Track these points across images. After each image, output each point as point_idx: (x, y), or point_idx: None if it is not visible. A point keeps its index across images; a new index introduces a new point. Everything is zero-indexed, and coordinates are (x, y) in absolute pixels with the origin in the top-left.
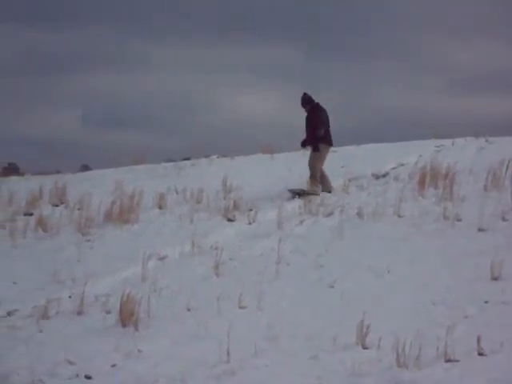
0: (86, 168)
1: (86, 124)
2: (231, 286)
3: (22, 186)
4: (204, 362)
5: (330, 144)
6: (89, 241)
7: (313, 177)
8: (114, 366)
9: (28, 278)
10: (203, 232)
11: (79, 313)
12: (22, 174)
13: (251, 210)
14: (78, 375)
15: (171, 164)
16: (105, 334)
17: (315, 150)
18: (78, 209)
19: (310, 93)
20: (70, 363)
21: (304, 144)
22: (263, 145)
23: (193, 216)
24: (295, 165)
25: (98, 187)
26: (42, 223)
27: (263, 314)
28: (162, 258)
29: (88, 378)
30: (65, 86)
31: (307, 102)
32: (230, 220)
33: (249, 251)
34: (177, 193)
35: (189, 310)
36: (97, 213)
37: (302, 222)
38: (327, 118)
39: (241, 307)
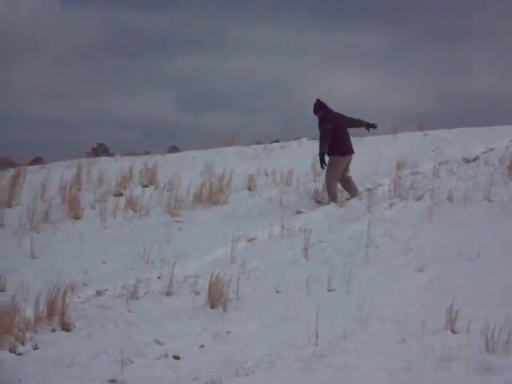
0: (175, 149)
1: (177, 106)
2: (320, 269)
3: (111, 167)
4: (292, 343)
5: (346, 153)
6: (178, 222)
7: (330, 195)
8: (202, 346)
9: (117, 258)
10: (292, 214)
11: (168, 293)
12: (112, 155)
13: (341, 192)
14: (166, 355)
15: (261, 146)
16: (193, 314)
17: (321, 166)
18: (168, 190)
19: (323, 99)
20: (159, 343)
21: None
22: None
23: (282, 198)
24: (385, 148)
25: (187, 168)
26: (131, 204)
27: (352, 297)
28: (251, 240)
29: (176, 358)
30: (157, 67)
31: (320, 108)
32: (319, 202)
33: (338, 234)
34: (266, 175)
35: (277, 292)
36: (186, 194)
37: (391, 206)
38: (337, 127)
39: (329, 290)
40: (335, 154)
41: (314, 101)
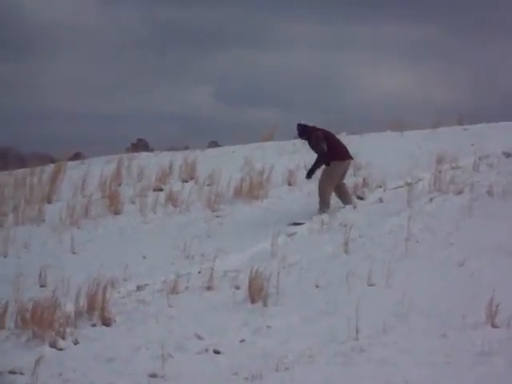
0: (214, 144)
1: (216, 101)
2: (360, 263)
3: (151, 162)
4: (332, 338)
5: (345, 158)
6: (218, 216)
7: (322, 203)
8: (242, 341)
9: (158, 252)
10: (332, 209)
11: (208, 288)
12: (152, 150)
13: (381, 187)
14: (207, 350)
15: (300, 141)
16: (234, 309)
17: (326, 164)
18: (208, 185)
19: (303, 121)
20: (199, 338)
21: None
22: (392, 122)
23: None
24: (425, 142)
25: (227, 163)
26: (171, 199)
27: (392, 292)
28: (291, 235)
29: (217, 352)
30: (197, 62)
31: (303, 131)
32: (359, 197)
33: (378, 229)
34: (306, 169)
35: (318, 286)
36: (226, 189)
37: (431, 200)
38: (326, 134)
39: (370, 284)
40: (334, 159)
41: (296, 126)
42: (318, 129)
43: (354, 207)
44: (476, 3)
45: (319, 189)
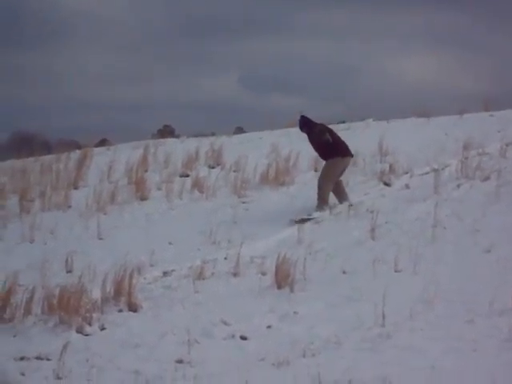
0: (240, 130)
1: (242, 88)
2: (387, 250)
3: (177, 148)
4: (359, 324)
5: (345, 155)
6: (244, 203)
7: (320, 199)
8: (269, 327)
9: (184, 239)
10: (359, 195)
11: (235, 274)
12: (178, 136)
13: (407, 173)
14: (233, 336)
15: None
16: (260, 295)
17: (331, 157)
18: (234, 171)
19: (307, 115)
20: (226, 324)
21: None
22: (419, 108)
23: (348, 179)
24: (452, 129)
25: (253, 150)
26: (198, 185)
27: (419, 278)
28: (317, 221)
29: (243, 338)
30: (223, 49)
31: (304, 124)
32: (385, 184)
33: (404, 215)
34: None
35: (344, 272)
36: (252, 175)
37: (458, 186)
38: (330, 130)
39: (396, 271)
40: (335, 156)
41: (298, 118)
42: (320, 124)
43: (351, 205)
44: None
45: (318, 185)
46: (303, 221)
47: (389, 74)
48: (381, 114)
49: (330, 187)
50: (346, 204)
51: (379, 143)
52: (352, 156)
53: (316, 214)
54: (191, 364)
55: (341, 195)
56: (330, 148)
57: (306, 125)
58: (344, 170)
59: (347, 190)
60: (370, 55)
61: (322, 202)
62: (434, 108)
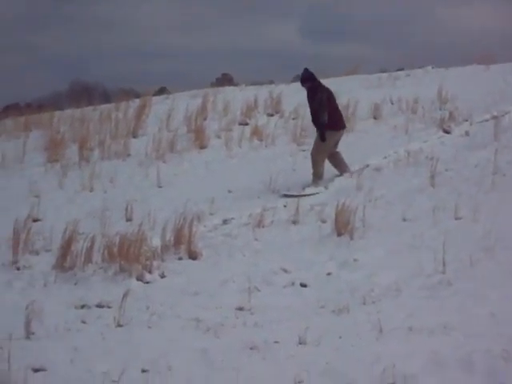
0: (299, 78)
1: (302, 35)
2: (447, 197)
3: (236, 96)
4: (419, 272)
5: (340, 128)
6: (304, 150)
7: (315, 172)
8: (329, 274)
9: (243, 187)
10: (418, 142)
11: (294, 222)
12: (236, 85)
13: (467, 120)
14: (293, 283)
15: (385, 74)
16: (320, 243)
17: (322, 139)
18: (293, 118)
19: (311, 69)
20: (286, 271)
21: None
22: (479, 56)
23: (408, 126)
24: (510, 75)
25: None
26: (257, 133)
27: (479, 225)
28: (376, 168)
29: (303, 286)
30: None
31: (307, 79)
32: (445, 131)
33: (464, 162)
34: (392, 103)
35: (404, 220)
36: (311, 123)
37: None
38: (330, 98)
39: (456, 218)
40: (328, 128)
41: (302, 71)
42: (325, 88)
43: (351, 175)
44: None
45: (312, 159)
46: (294, 197)
47: (452, 23)
48: (441, 62)
49: (323, 160)
50: (347, 174)
51: (438, 90)
52: (345, 127)
53: (309, 190)
54: (251, 311)
55: (340, 166)
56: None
57: (308, 79)
58: (338, 141)
59: (346, 161)
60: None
61: (316, 177)
62: (494, 55)
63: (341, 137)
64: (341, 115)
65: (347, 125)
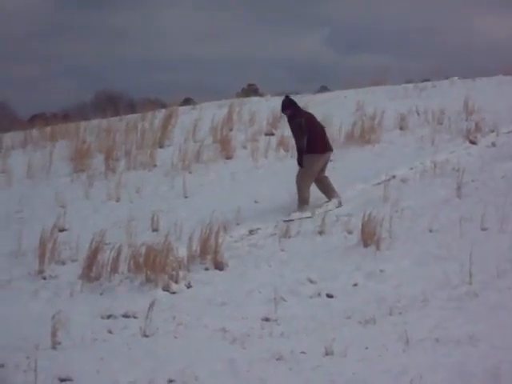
0: (324, 89)
1: (327, 46)
2: (473, 208)
3: (262, 107)
4: (446, 283)
5: (324, 151)
6: (330, 161)
7: (300, 198)
8: (355, 285)
9: (269, 197)
10: (445, 153)
11: (320, 232)
12: (262, 95)
13: (493, 131)
14: (319, 294)
15: (411, 85)
16: (346, 253)
17: (299, 164)
18: None
19: (292, 97)
20: (312, 282)
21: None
22: (505, 66)
23: (434, 137)
24: None
25: (338, 108)
26: (283, 143)
27: (506, 236)
28: (403, 179)
29: (330, 296)
30: (308, 8)
31: (287, 106)
32: (471, 142)
33: (491, 173)
34: (418, 114)
35: (430, 231)
36: (338, 133)
37: None
38: (311, 122)
39: (483, 229)
40: (312, 152)
41: (283, 99)
42: (304, 112)
43: (339, 202)
44: None
45: (297, 184)
46: (283, 222)
47: (477, 34)
48: (467, 73)
49: (309, 185)
50: (335, 200)
51: (465, 101)
52: (332, 150)
53: (296, 216)
54: (278, 322)
55: (328, 192)
56: (308, 143)
57: (288, 107)
58: (325, 165)
59: (334, 186)
60: (457, 13)
61: (302, 202)
62: None
63: (327, 160)
64: (325, 138)
65: (373, 136)
